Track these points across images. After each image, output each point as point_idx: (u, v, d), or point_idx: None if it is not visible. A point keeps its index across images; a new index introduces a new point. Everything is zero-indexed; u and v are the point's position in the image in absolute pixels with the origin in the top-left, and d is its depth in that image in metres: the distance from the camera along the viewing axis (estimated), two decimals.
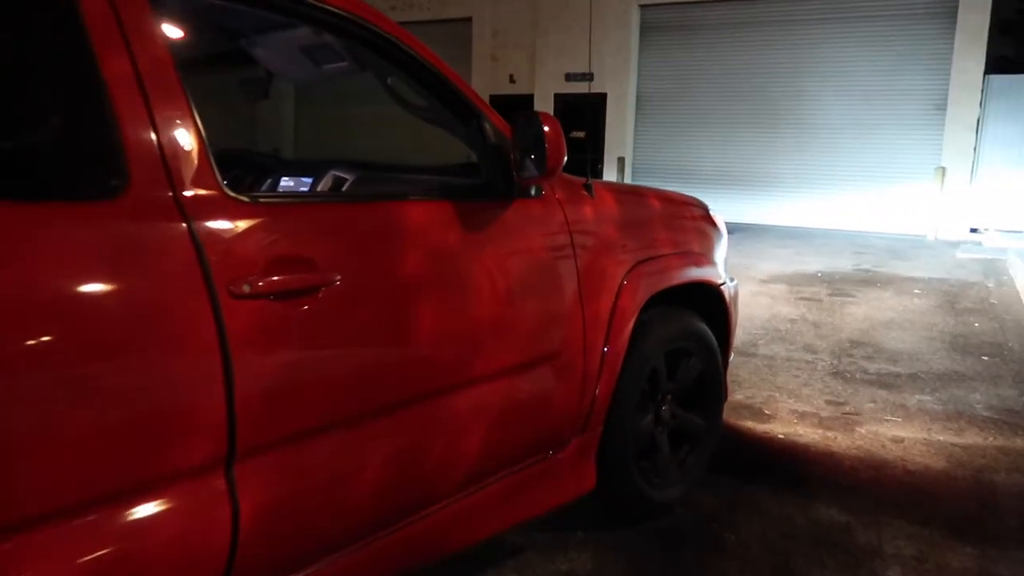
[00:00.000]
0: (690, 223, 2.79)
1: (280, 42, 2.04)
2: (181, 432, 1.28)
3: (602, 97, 13.89)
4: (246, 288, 1.35)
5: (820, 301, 6.63)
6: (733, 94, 12.78)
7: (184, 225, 1.29)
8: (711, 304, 2.82)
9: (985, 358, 4.82)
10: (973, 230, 11.32)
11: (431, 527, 1.82)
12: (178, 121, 1.32)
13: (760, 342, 5.09)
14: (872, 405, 3.87)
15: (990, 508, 2.73)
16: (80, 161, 1.25)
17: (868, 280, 7.77)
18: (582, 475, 2.27)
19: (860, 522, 2.60)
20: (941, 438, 3.41)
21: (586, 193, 2.25)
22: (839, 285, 7.44)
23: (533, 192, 2.03)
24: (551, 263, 2.06)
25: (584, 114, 14.26)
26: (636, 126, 14.05)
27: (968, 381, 4.31)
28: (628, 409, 2.39)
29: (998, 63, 12.01)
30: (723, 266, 2.93)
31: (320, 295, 1.47)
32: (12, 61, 1.24)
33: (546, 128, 1.82)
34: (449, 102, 1.94)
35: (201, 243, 1.30)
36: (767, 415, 3.69)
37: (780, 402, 3.88)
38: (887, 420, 3.64)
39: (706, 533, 2.53)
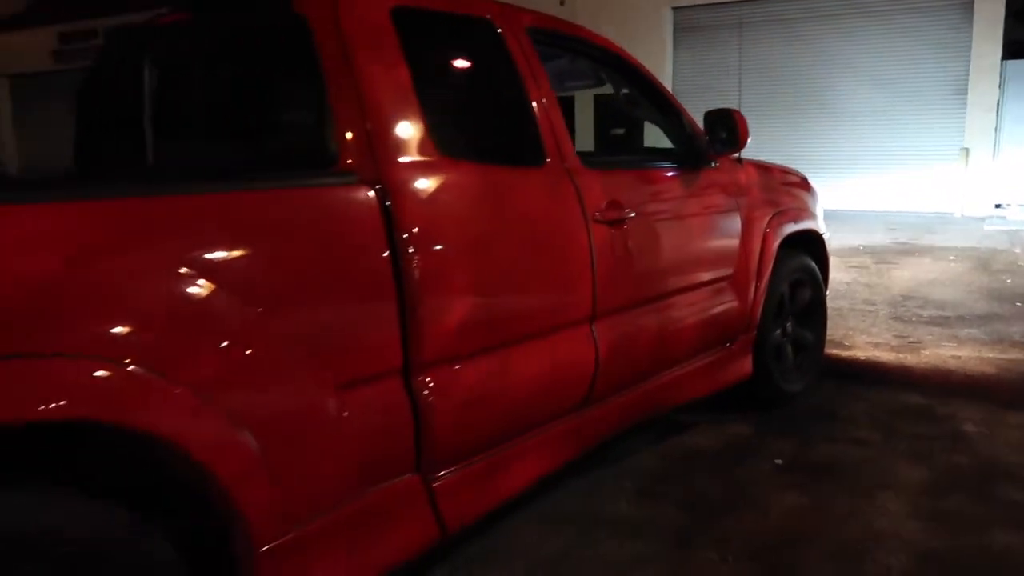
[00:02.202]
0: (797, 188, 3.72)
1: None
2: (574, 299, 2.24)
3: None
4: (597, 215, 2.31)
5: (867, 268, 7.53)
6: (764, 88, 13.65)
7: (570, 182, 2.25)
8: (815, 248, 3.76)
9: (1019, 304, 5.71)
10: (997, 205, 12.14)
11: (668, 383, 2.78)
12: (556, 122, 2.28)
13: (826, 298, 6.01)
14: (930, 337, 4.78)
15: None
16: (526, 148, 2.21)
17: (906, 251, 8.65)
18: (744, 364, 3.22)
19: (938, 403, 3.53)
20: (990, 355, 4.32)
21: (739, 164, 3.20)
22: (881, 255, 8.33)
23: (713, 164, 2.98)
24: (727, 211, 3.01)
25: (622, 113, 15.16)
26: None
27: (1006, 319, 5.20)
28: (768, 321, 3.33)
29: (1011, 48, 12.81)
30: (821, 219, 3.87)
31: (625, 224, 2.42)
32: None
33: (735, 117, 2.78)
34: (660, 105, 2.90)
35: (580, 191, 2.26)
36: (847, 346, 4.61)
37: (855, 337, 4.80)
38: (944, 345, 4.56)
39: (825, 411, 3.46)
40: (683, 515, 2.52)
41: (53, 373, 1.18)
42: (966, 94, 12.23)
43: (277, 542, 1.52)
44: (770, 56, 13.68)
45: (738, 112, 2.81)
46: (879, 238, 9.73)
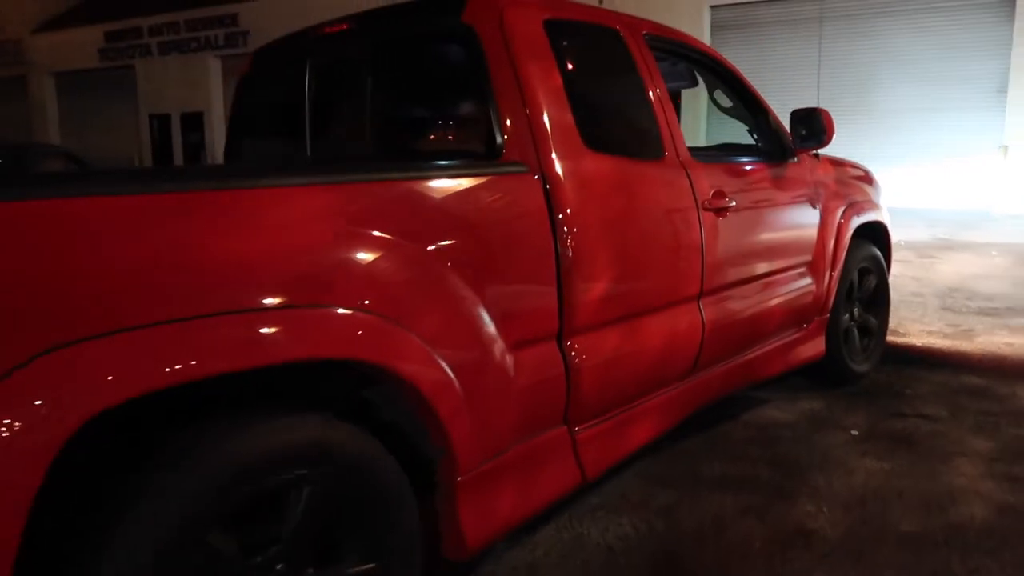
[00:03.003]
0: (864, 181, 3.97)
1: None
2: (688, 277, 2.52)
3: (676, 94, 14.99)
4: (706, 203, 2.58)
5: (911, 262, 7.71)
6: (804, 85, 13.81)
7: (685, 173, 2.53)
8: (880, 238, 4.00)
9: None
10: None
11: (756, 359, 3.06)
12: (671, 118, 2.56)
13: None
14: (982, 326, 4.99)
15: None
16: (649, 142, 2.49)
17: (947, 246, 8.81)
18: (819, 344, 3.48)
19: (996, 383, 3.77)
20: None
21: (816, 160, 3.46)
22: (923, 250, 8.50)
23: (794, 159, 3.24)
24: (808, 202, 3.27)
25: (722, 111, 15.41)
26: (708, 118, 15.14)
27: None
28: (839, 305, 3.59)
29: None
30: (885, 211, 4.11)
31: (727, 212, 2.70)
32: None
33: (822, 115, 3.04)
34: (749, 104, 3.17)
35: (692, 181, 2.54)
36: (902, 333, 4.83)
37: (909, 325, 5.02)
38: (997, 333, 4.77)
39: (891, 391, 3.72)
40: (775, 474, 2.79)
41: (333, 320, 1.48)
42: (1007, 92, 12.31)
43: (470, 474, 1.81)
44: (809, 54, 13.83)
45: (824, 111, 3.07)
46: (919, 234, 9.88)
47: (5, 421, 1.07)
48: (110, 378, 1.16)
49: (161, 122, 21.79)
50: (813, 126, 3.08)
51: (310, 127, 2.63)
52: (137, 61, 21.95)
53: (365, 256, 1.58)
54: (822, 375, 3.71)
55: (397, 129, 2.46)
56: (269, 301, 1.38)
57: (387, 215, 1.67)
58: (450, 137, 2.35)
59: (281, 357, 1.39)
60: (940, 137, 12.88)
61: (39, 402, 1.10)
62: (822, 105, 3.22)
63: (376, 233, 1.62)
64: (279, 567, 1.47)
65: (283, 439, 1.44)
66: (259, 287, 1.38)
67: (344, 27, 2.49)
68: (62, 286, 1.17)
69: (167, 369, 1.22)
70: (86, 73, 22.87)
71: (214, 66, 20.84)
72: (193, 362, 1.25)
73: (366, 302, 1.54)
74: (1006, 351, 4.38)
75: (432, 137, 2.39)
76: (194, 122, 21.11)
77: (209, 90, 20.78)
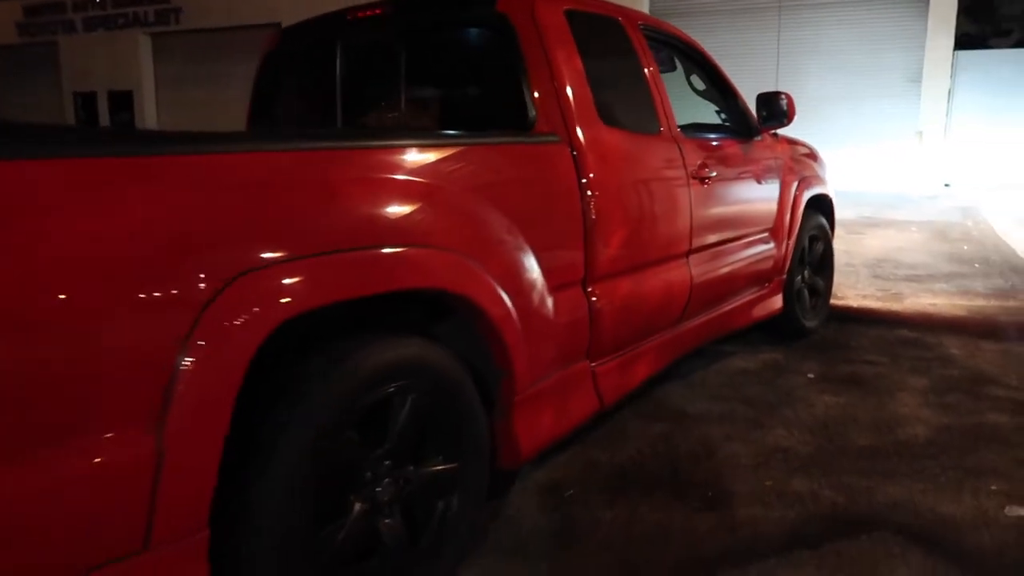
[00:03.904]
0: (813, 159, 4.45)
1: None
2: (679, 236, 2.91)
3: None
4: (693, 173, 2.97)
5: (841, 237, 8.31)
6: (732, 72, 14.49)
7: (676, 146, 2.91)
8: (826, 209, 4.50)
9: (977, 265, 6.59)
10: (946, 185, 13.22)
11: (729, 311, 3.48)
12: (664, 98, 2.93)
13: None
14: (908, 290, 5.59)
15: (999, 328, 4.47)
16: (648, 118, 2.85)
17: (871, 224, 9.55)
18: (777, 301, 3.95)
19: (925, 335, 4.32)
20: (961, 303, 5.14)
21: (775, 138, 3.90)
22: (850, 227, 9.20)
23: (758, 137, 3.67)
24: (771, 176, 3.71)
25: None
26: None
27: (969, 277, 6.06)
28: (794, 268, 4.06)
29: (961, 40, 13.88)
30: (829, 185, 4.60)
31: (709, 181, 3.09)
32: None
33: (785, 98, 3.46)
34: (720, 88, 3.57)
35: (683, 153, 2.92)
36: (840, 297, 5.38)
37: (845, 291, 5.58)
38: (922, 296, 5.37)
39: (837, 343, 4.22)
40: (749, 409, 3.22)
41: (434, 258, 1.80)
42: (921, 82, 13.25)
43: (523, 395, 2.15)
44: (739, 43, 14.51)
45: (788, 94, 3.50)
46: (845, 213, 10.57)
47: (222, 326, 1.35)
48: (290, 295, 1.45)
49: (86, 100, 21.03)
50: (776, 108, 3.51)
51: (341, 103, 2.89)
52: (60, 37, 21.11)
53: (449, 206, 1.90)
54: (778, 330, 4.17)
55: (429, 105, 2.75)
56: (391, 240, 1.68)
57: (462, 174, 1.98)
58: (480, 112, 2.65)
59: (399, 285, 1.70)
60: (860, 123, 13.76)
61: (243, 313, 1.38)
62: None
63: (455, 188, 1.94)
64: (387, 463, 1.78)
65: (395, 354, 1.74)
66: (384, 228, 1.68)
67: (378, 12, 2.76)
68: (254, 223, 1.45)
69: (327, 289, 1.52)
70: (4, 49, 21.86)
71: (144, 43, 20.24)
72: (346, 284, 1.55)
73: (454, 244, 1.86)
74: (931, 310, 4.97)
75: (463, 113, 2.69)
76: (123, 101, 20.47)
77: (140, 68, 20.19)
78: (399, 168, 1.80)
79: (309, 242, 1.52)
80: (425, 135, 2.11)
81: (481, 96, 2.71)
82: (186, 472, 1.34)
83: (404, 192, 1.78)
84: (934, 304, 5.11)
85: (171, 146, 1.44)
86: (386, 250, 1.67)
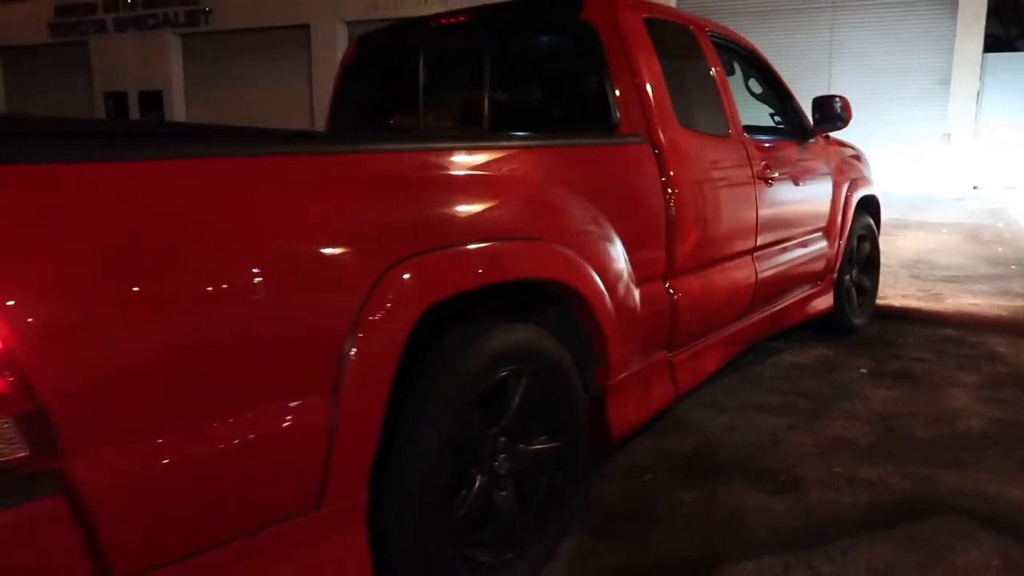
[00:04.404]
0: (860, 160, 4.56)
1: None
2: (746, 235, 3.04)
3: None
4: (758, 174, 3.10)
5: None
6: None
7: (743, 148, 3.04)
8: (872, 209, 4.61)
9: (1013, 267, 6.66)
10: (975, 187, 13.23)
11: (786, 308, 3.60)
12: (732, 102, 3.05)
13: None
14: (947, 290, 5.68)
15: None
16: (718, 121, 2.98)
17: (902, 225, 9.60)
18: (828, 299, 4.07)
19: (969, 334, 4.42)
20: (1001, 303, 5.23)
21: (827, 140, 4.02)
22: (882, 228, 9.26)
23: (812, 139, 3.79)
24: (824, 177, 3.83)
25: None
26: None
27: (1006, 279, 6.14)
28: (844, 267, 4.17)
29: (990, 42, 13.87)
30: (875, 187, 4.71)
31: (771, 181, 3.22)
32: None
33: (840, 101, 3.58)
34: (777, 91, 3.69)
35: (750, 156, 3.05)
36: (881, 297, 5.46)
37: (886, 290, 5.67)
38: (962, 296, 5.46)
39: (884, 340, 4.33)
40: (808, 402, 3.34)
41: (547, 250, 1.94)
42: (950, 84, 13.26)
43: (615, 380, 2.29)
44: (770, 45, 14.56)
45: (843, 97, 3.61)
46: None
47: (384, 307, 1.50)
48: (438, 281, 1.61)
49: (117, 100, 21.38)
50: (832, 111, 3.62)
51: (423, 106, 3.05)
52: (91, 37, 21.46)
53: (559, 203, 2.04)
54: (826, 328, 4.28)
55: (513, 108, 2.89)
56: (515, 233, 1.83)
57: (567, 173, 2.13)
58: (564, 115, 2.80)
59: (521, 274, 1.84)
60: (889, 125, 13.78)
61: (401, 296, 1.53)
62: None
63: (562, 186, 2.08)
64: (502, 440, 1.93)
65: (513, 339, 1.89)
66: (509, 222, 1.83)
67: (462, 19, 2.91)
68: (409, 216, 1.60)
69: (468, 276, 1.67)
70: (36, 49, 22.25)
71: (174, 44, 20.55)
72: (482, 272, 1.70)
73: (563, 239, 2.00)
74: (973, 309, 5.06)
75: (546, 115, 2.83)
76: (153, 100, 20.79)
77: (169, 68, 20.49)
78: (519, 167, 1.94)
79: (453, 234, 1.67)
80: (537, 137, 2.25)
81: (565, 99, 2.85)
82: (353, 438, 1.49)
83: (524, 189, 1.92)
84: (975, 304, 5.19)
85: (343, 146, 1.60)
86: (512, 243, 1.82)
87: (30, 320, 1.09)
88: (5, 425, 1.09)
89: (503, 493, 1.92)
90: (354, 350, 1.46)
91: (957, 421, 3.11)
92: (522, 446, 1.98)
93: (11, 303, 1.08)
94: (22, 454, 1.11)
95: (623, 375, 2.35)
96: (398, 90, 3.16)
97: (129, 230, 1.21)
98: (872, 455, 2.80)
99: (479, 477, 1.86)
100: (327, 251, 1.45)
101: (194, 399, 1.27)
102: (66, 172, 1.17)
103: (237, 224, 1.33)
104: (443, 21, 2.96)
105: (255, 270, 1.33)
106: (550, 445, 2.05)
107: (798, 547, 2.21)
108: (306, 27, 18.28)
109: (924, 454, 2.80)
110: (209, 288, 1.28)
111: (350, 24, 17.85)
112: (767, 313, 3.44)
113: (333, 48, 17.77)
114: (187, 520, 1.28)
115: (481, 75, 2.88)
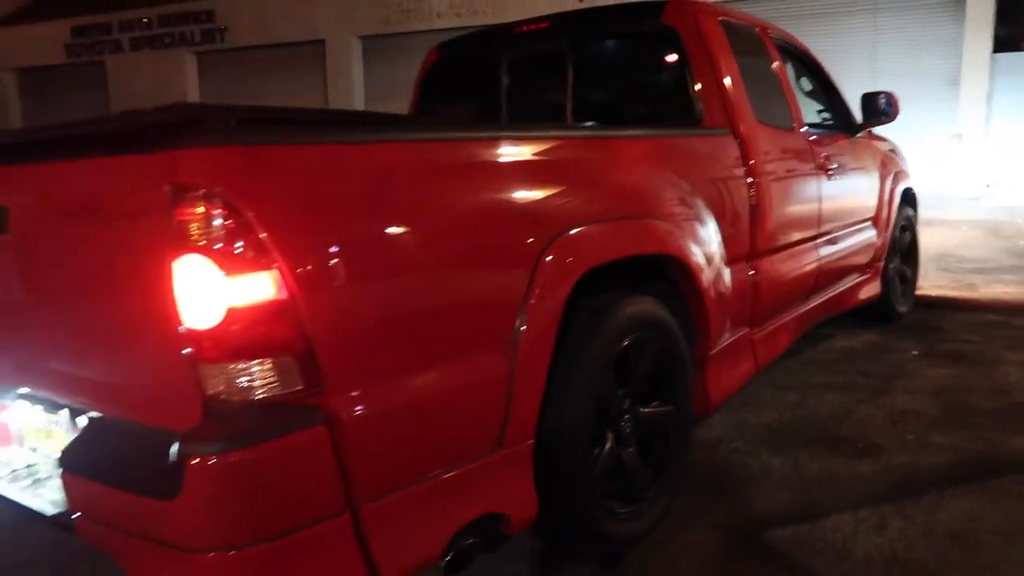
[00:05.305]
0: (898, 155, 4.76)
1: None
2: (811, 223, 3.23)
3: None
4: (820, 165, 3.29)
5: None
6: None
7: (806, 140, 3.24)
8: (911, 202, 4.81)
9: None
10: (988, 186, 13.44)
11: (841, 293, 3.79)
12: (795, 98, 3.26)
13: None
14: (979, 281, 5.86)
15: None
16: (784, 116, 3.18)
17: (921, 222, 9.79)
18: (876, 286, 4.26)
19: (1010, 318, 4.60)
20: None
21: (871, 134, 4.22)
22: None
23: (860, 134, 3.99)
24: (872, 167, 4.03)
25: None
26: None
27: None
28: (890, 255, 4.37)
29: (1000, 42, 14.10)
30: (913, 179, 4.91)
31: (831, 172, 3.41)
32: None
33: (886, 97, 3.79)
34: (827, 88, 3.91)
35: (812, 148, 3.25)
36: (917, 288, 5.67)
37: (920, 282, 5.85)
38: (994, 286, 5.64)
39: (929, 325, 4.52)
40: (868, 380, 3.53)
41: (662, 228, 2.14)
42: (959, 85, 13.50)
43: (713, 352, 2.49)
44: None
45: (891, 93, 3.82)
46: None
47: (550, 271, 1.70)
48: (592, 251, 1.81)
49: None
50: (880, 106, 3.83)
51: (507, 108, 3.25)
52: (107, 57, 21.79)
53: (670, 186, 2.25)
54: (872, 315, 4.47)
55: (595, 107, 3.10)
56: (645, 212, 2.04)
57: (673, 160, 2.34)
58: (647, 112, 3.01)
59: (649, 249, 2.05)
60: (901, 126, 13.99)
61: (564, 263, 1.74)
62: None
63: (671, 171, 2.29)
64: (627, 403, 2.12)
65: (640, 308, 2.09)
66: (636, 203, 2.03)
67: (546, 25, 3.12)
68: (567, 193, 1.81)
69: (613, 248, 1.88)
70: (51, 69, 22.59)
71: (190, 62, 20.87)
72: (623, 245, 1.91)
73: (676, 219, 2.21)
74: (1007, 297, 5.24)
75: (629, 113, 3.04)
76: None
77: (185, 86, 20.79)
78: (641, 155, 2.15)
79: (598, 211, 1.87)
80: (653, 129, 2.46)
81: (648, 97, 3.05)
82: (526, 389, 1.69)
83: (646, 174, 2.13)
84: (1008, 292, 5.37)
85: (517, 132, 1.81)
86: (642, 221, 2.02)
87: (306, 278, 1.29)
88: (287, 362, 1.29)
89: (629, 450, 2.11)
90: (527, 311, 1.66)
91: (1015, 393, 3.29)
92: (642, 408, 2.18)
93: (294, 263, 1.28)
94: (297, 388, 1.31)
95: (718, 348, 2.54)
96: (479, 93, 3.37)
97: (377, 204, 1.42)
98: (941, 424, 2.98)
99: (610, 435, 2.05)
100: (511, 225, 1.66)
101: (421, 350, 1.47)
102: (328, 152, 1.38)
103: (449, 200, 1.55)
104: (524, 28, 3.17)
105: (465, 241, 1.55)
106: (664, 408, 2.24)
107: (889, 500, 2.39)
108: (321, 42, 18.56)
109: (991, 422, 2.98)
110: (436, 256, 1.50)
111: (364, 39, 18.16)
112: (826, 298, 3.63)
113: (348, 62, 18.08)
114: (414, 451, 1.48)
115: (564, 77, 3.09)
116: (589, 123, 2.87)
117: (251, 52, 19.62)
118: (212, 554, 1.28)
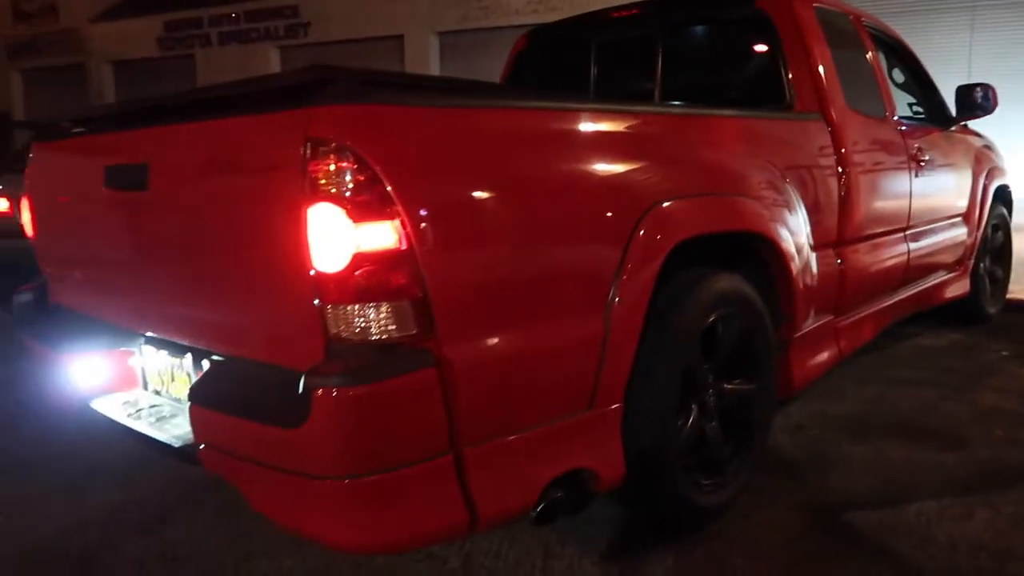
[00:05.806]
0: (993, 151, 4.61)
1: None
2: (901, 214, 3.18)
3: None
4: (912, 156, 3.24)
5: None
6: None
7: (899, 130, 3.19)
8: (1006, 200, 4.66)
9: None
10: None
11: (929, 288, 3.72)
12: (887, 87, 3.21)
13: None
14: None
15: None
16: (877, 104, 3.14)
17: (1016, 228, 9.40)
18: (965, 284, 4.14)
19: None
20: None
21: (966, 128, 4.11)
22: None
23: (953, 127, 3.89)
24: (965, 162, 3.93)
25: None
26: None
27: None
28: (980, 254, 4.24)
29: None
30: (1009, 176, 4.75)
31: (923, 164, 3.34)
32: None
33: (982, 90, 3.69)
34: (920, 80, 3.83)
35: (904, 139, 3.20)
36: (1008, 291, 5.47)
37: (1011, 285, 5.66)
38: None
39: (1018, 327, 4.37)
40: (953, 377, 3.46)
41: (754, 207, 2.17)
42: None
43: (797, 335, 2.50)
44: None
45: (988, 85, 3.72)
46: None
47: (644, 241, 1.76)
48: (684, 223, 1.86)
49: None
50: (976, 99, 3.73)
51: (594, 91, 3.31)
52: (197, 50, 22.68)
53: (761, 167, 2.27)
54: (958, 314, 4.35)
55: (686, 90, 3.13)
56: (735, 190, 2.08)
57: (763, 141, 2.36)
58: (738, 96, 3.02)
59: (739, 226, 2.08)
60: (1000, 126, 13.43)
61: (657, 233, 1.79)
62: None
63: (762, 153, 2.31)
64: (711, 378, 2.16)
65: (727, 285, 2.12)
66: (730, 180, 2.07)
67: (636, 12, 3.17)
68: (660, 167, 1.87)
69: (704, 223, 1.92)
70: (145, 62, 23.65)
71: (273, 56, 21.54)
72: (714, 221, 1.96)
73: (766, 200, 2.23)
74: None
75: (719, 97, 3.05)
76: None
77: None
78: (733, 134, 2.19)
79: (693, 185, 1.92)
80: (747, 111, 2.49)
81: (739, 82, 3.07)
82: (617, 352, 1.75)
83: (738, 153, 2.17)
84: None
85: (616, 105, 1.88)
86: (732, 198, 2.06)
87: (425, 230, 1.39)
88: (404, 307, 1.39)
89: (712, 424, 2.15)
90: (623, 276, 1.73)
91: None
92: (726, 385, 2.21)
93: (415, 216, 1.38)
94: (412, 332, 1.41)
95: (802, 332, 2.54)
96: (568, 79, 3.44)
97: (492, 167, 1.52)
98: None
99: (694, 407, 2.10)
100: (612, 195, 1.73)
101: (525, 307, 1.56)
102: (450, 115, 1.48)
103: (558, 168, 1.64)
104: (614, 14, 3.22)
105: (569, 207, 1.64)
106: (748, 386, 2.27)
107: (976, 492, 2.36)
108: (400, 37, 18.92)
109: None
110: (542, 220, 1.59)
111: (441, 35, 18.44)
112: (913, 292, 3.56)
113: (426, 57, 18.36)
114: (513, 403, 1.57)
115: (653, 63, 3.13)
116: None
117: (332, 47, 20.13)
118: (330, 481, 1.39)
